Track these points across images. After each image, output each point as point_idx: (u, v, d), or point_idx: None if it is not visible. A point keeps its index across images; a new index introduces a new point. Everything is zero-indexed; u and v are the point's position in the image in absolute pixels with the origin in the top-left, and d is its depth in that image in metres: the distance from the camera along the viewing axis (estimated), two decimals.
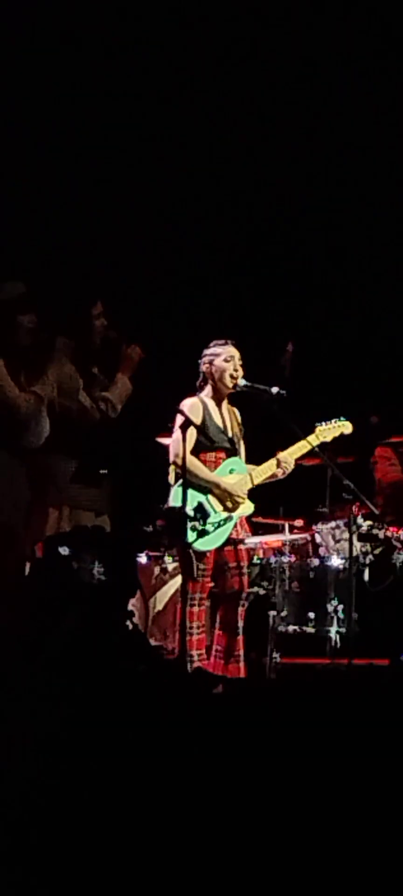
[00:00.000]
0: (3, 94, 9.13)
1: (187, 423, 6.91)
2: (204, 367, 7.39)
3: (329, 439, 7.62)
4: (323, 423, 7.63)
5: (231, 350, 7.36)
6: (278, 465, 7.39)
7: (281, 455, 7.40)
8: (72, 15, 9.41)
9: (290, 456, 7.43)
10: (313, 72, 10.10)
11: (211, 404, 7.35)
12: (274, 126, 10.28)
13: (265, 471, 7.38)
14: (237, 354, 7.38)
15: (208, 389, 7.39)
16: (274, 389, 7.34)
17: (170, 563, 8.27)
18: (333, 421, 7.67)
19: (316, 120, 10.30)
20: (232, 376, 7.32)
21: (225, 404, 7.42)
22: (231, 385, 7.34)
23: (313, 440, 7.51)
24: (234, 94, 10.11)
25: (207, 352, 7.40)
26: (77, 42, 9.48)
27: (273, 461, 7.39)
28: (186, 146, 10.07)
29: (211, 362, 7.37)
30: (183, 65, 9.87)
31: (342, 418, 7.71)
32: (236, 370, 7.34)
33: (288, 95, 10.20)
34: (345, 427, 7.71)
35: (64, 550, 6.62)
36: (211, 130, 10.15)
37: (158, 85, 9.91)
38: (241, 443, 7.44)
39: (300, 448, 7.47)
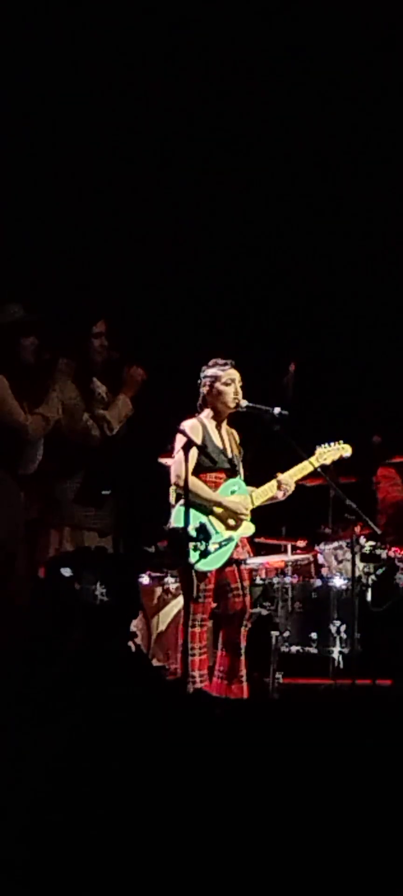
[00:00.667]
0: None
1: (189, 444, 6.92)
2: (204, 390, 7.38)
3: (328, 462, 7.62)
4: (323, 446, 7.63)
5: (232, 373, 7.36)
6: (278, 486, 7.39)
7: (282, 477, 7.40)
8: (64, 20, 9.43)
9: (290, 478, 7.43)
10: (317, 80, 10.11)
11: (211, 426, 7.35)
12: (280, 142, 10.29)
13: (265, 492, 7.39)
14: (237, 377, 7.38)
15: (208, 411, 7.39)
16: (276, 410, 7.34)
17: (173, 584, 8.26)
18: (333, 443, 7.67)
19: (322, 138, 10.30)
20: (233, 399, 7.32)
21: (224, 425, 7.42)
22: (232, 407, 7.34)
23: (313, 462, 7.51)
24: (239, 111, 10.13)
25: (208, 373, 7.38)
26: (76, 61, 9.50)
27: (273, 483, 7.40)
28: (189, 164, 10.08)
29: (212, 385, 7.35)
30: (185, 77, 9.88)
31: (341, 442, 7.71)
32: (237, 393, 7.34)
33: (296, 112, 10.22)
34: (345, 450, 7.71)
35: (66, 571, 6.62)
36: (214, 146, 10.16)
37: (160, 108, 9.93)
38: (240, 464, 7.44)
39: (300, 470, 7.47)
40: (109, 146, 9.79)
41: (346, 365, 10.55)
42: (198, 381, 7.43)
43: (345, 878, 3.55)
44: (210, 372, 7.37)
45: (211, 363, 7.40)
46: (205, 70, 9.92)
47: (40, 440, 7.36)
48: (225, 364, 7.36)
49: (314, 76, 10.08)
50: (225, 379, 7.33)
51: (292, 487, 7.43)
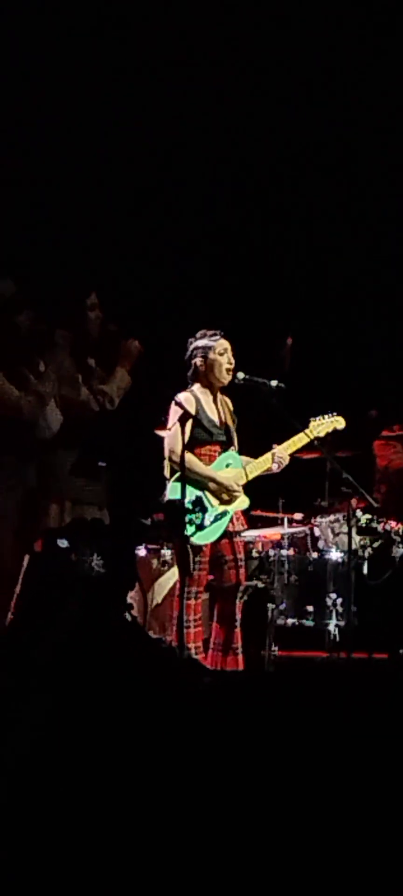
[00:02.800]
0: None
1: (185, 417, 6.90)
2: (197, 361, 7.32)
3: (322, 434, 7.60)
4: (318, 418, 7.61)
5: (224, 343, 7.32)
6: (273, 459, 7.37)
7: (277, 449, 7.39)
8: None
9: (285, 450, 7.42)
10: (310, 66, 10.09)
11: (204, 398, 7.32)
12: (272, 112, 10.27)
13: (260, 465, 7.37)
14: (229, 346, 7.35)
15: (201, 382, 7.35)
16: (273, 382, 7.33)
17: (169, 555, 8.26)
18: (327, 416, 7.65)
19: (314, 108, 10.28)
20: (227, 369, 7.30)
21: (218, 396, 7.40)
22: (226, 380, 7.32)
23: (307, 434, 7.49)
24: (226, 82, 10.10)
25: (199, 344, 7.32)
26: (68, 34, 9.47)
27: (268, 455, 7.38)
28: (183, 134, 10.06)
29: (205, 356, 7.31)
30: (179, 58, 9.86)
31: (335, 414, 7.69)
32: (230, 362, 7.31)
33: (282, 85, 10.19)
34: (338, 422, 7.68)
35: (63, 543, 6.63)
36: (205, 117, 10.13)
37: (150, 75, 9.89)
38: (235, 434, 7.42)
39: (295, 442, 7.45)
40: (102, 120, 9.75)
41: (343, 338, 10.54)
42: (187, 354, 7.38)
43: (340, 850, 3.56)
44: (201, 343, 7.32)
45: (198, 335, 7.35)
46: (199, 50, 9.90)
47: (52, 408, 7.37)
48: (215, 334, 7.32)
49: (302, 48, 10.06)
50: (219, 349, 7.30)
51: (287, 460, 7.41)
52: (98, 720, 3.92)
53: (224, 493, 7.19)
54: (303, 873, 3.48)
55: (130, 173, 9.81)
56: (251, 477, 7.34)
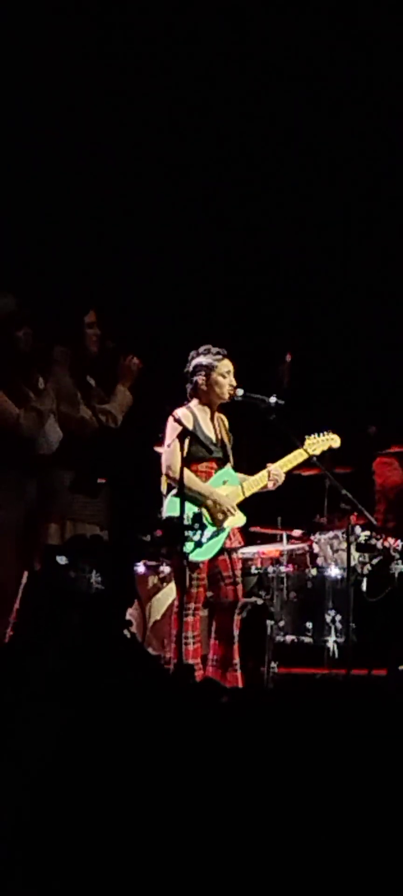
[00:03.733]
0: None
1: (184, 433, 6.91)
2: (199, 379, 7.33)
3: (318, 452, 7.61)
4: (313, 436, 7.63)
5: (227, 364, 7.33)
6: (269, 476, 7.38)
7: (272, 467, 7.40)
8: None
9: (281, 468, 7.43)
10: (313, 73, 10.10)
11: (202, 414, 7.33)
12: (275, 132, 10.28)
13: (256, 483, 7.39)
14: (232, 367, 7.36)
15: (199, 399, 7.36)
16: (272, 399, 7.33)
17: (168, 572, 8.26)
18: (322, 434, 7.66)
19: (318, 128, 10.29)
20: (228, 390, 7.31)
21: (215, 413, 7.40)
22: (226, 399, 7.33)
23: (302, 453, 7.50)
24: (228, 98, 10.11)
25: (202, 362, 7.32)
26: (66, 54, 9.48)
27: (264, 473, 7.39)
28: (182, 151, 10.07)
29: (208, 375, 7.32)
30: (180, 68, 9.87)
31: (330, 432, 7.70)
32: (232, 384, 7.32)
33: (289, 100, 10.20)
34: (334, 441, 7.71)
35: (61, 560, 6.62)
36: (208, 131, 10.14)
37: (152, 94, 9.91)
38: (230, 451, 7.43)
39: (290, 460, 7.47)
40: (102, 138, 9.76)
41: (342, 355, 10.54)
42: (188, 369, 7.38)
43: (340, 866, 3.56)
44: (205, 361, 7.32)
45: (202, 350, 7.36)
46: (200, 57, 9.91)
47: (52, 425, 7.38)
48: (219, 353, 7.33)
49: (303, 57, 10.07)
50: (222, 370, 7.31)
51: (282, 478, 7.42)
52: (97, 736, 3.92)
53: (219, 513, 7.19)
54: (302, 886, 3.48)
55: (129, 190, 9.82)
56: (248, 494, 7.35)
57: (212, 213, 10.23)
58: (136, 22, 9.73)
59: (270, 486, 7.41)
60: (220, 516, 7.19)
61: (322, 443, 7.65)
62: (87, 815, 3.66)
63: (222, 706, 4.55)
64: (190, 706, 4.36)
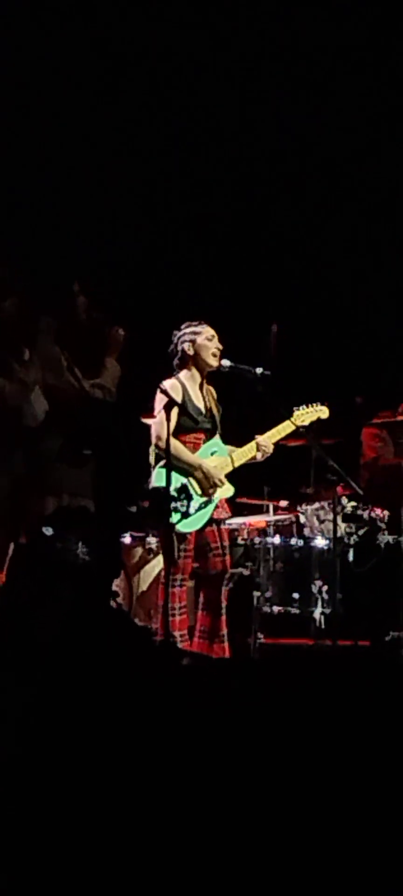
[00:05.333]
0: None
1: (171, 404, 6.91)
2: (185, 346, 7.33)
3: (306, 423, 7.62)
4: (301, 408, 7.62)
5: (210, 329, 7.35)
6: (257, 447, 7.39)
7: (260, 438, 7.40)
8: None
9: (269, 439, 7.43)
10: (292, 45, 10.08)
11: (191, 384, 7.33)
12: (260, 99, 10.24)
13: (245, 454, 7.39)
14: (215, 333, 7.37)
15: (186, 371, 7.36)
16: (259, 370, 7.33)
17: (155, 543, 8.25)
18: (310, 405, 7.66)
19: (308, 100, 10.26)
20: (214, 355, 7.31)
21: (204, 384, 7.40)
22: (214, 364, 7.33)
23: (290, 424, 7.50)
24: (216, 66, 10.08)
25: (187, 331, 7.34)
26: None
27: (252, 444, 7.40)
28: (170, 119, 10.03)
29: (192, 342, 7.33)
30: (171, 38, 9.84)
31: (318, 403, 7.70)
32: (218, 347, 7.33)
33: (264, 68, 10.17)
34: (322, 412, 7.71)
35: (47, 531, 6.61)
36: (195, 100, 10.10)
37: (139, 62, 9.87)
38: (219, 422, 7.43)
39: (279, 431, 7.47)
40: (90, 106, 9.72)
41: (329, 325, 10.53)
42: (173, 344, 7.38)
43: (327, 836, 3.57)
44: (188, 331, 7.34)
45: (183, 326, 7.38)
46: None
47: (37, 397, 7.36)
48: (200, 323, 7.35)
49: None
50: (206, 335, 7.33)
51: (271, 449, 7.43)
52: (85, 707, 3.92)
53: (209, 482, 7.19)
54: (290, 857, 3.48)
55: (115, 158, 9.78)
56: (237, 465, 7.35)
57: (198, 183, 10.19)
58: None
59: (259, 457, 7.42)
60: (209, 487, 7.19)
61: (310, 414, 7.65)
62: (75, 785, 3.67)
63: (208, 676, 4.56)
64: (176, 678, 4.37)
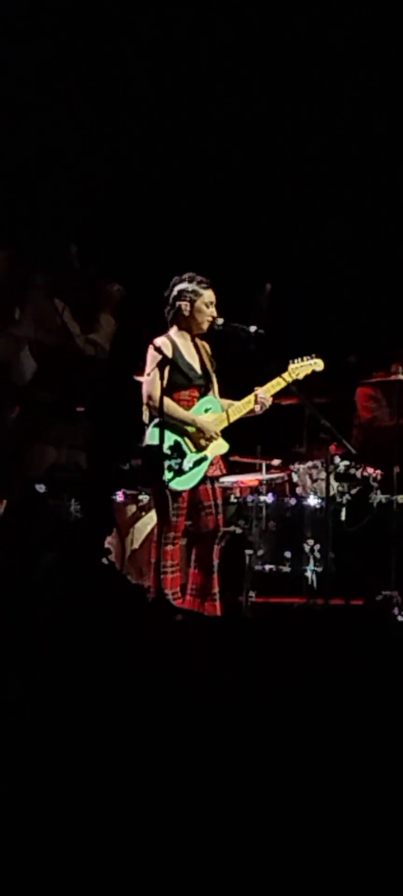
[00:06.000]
0: None
1: (164, 362, 6.88)
2: (182, 304, 7.27)
3: (301, 376, 7.59)
4: (296, 361, 7.60)
5: (211, 294, 7.29)
6: (256, 400, 7.36)
7: (260, 391, 7.37)
8: None
9: (268, 392, 7.40)
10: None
11: (182, 341, 7.29)
12: (262, 66, 10.20)
13: (243, 407, 7.36)
14: (215, 299, 7.32)
15: (178, 326, 7.32)
16: (252, 328, 7.31)
17: (147, 500, 8.25)
18: (305, 358, 7.63)
19: (307, 65, 10.23)
20: (208, 320, 7.28)
21: (197, 340, 7.37)
22: (205, 329, 7.30)
23: (286, 378, 7.47)
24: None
25: (188, 287, 7.27)
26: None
27: (251, 397, 7.37)
28: (166, 77, 9.99)
29: (192, 302, 7.27)
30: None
31: (314, 356, 7.67)
32: (213, 315, 7.28)
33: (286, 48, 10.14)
34: (317, 364, 7.67)
35: (40, 488, 6.62)
36: (193, 65, 10.06)
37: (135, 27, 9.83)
38: (214, 377, 7.40)
39: (276, 384, 7.44)
40: (87, 71, 9.67)
41: (322, 285, 10.51)
42: (171, 294, 7.33)
43: (313, 803, 3.57)
44: (190, 287, 7.27)
45: (186, 276, 7.30)
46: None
47: (25, 355, 7.33)
48: (203, 282, 7.28)
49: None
50: (206, 299, 7.27)
51: (269, 401, 7.40)
52: (78, 666, 3.92)
53: (203, 438, 7.18)
54: (285, 828, 3.49)
55: (109, 117, 9.74)
56: (232, 419, 7.33)
57: (192, 142, 10.15)
58: None
59: (257, 409, 7.38)
60: (203, 442, 7.18)
61: (305, 367, 7.61)
62: (71, 749, 3.67)
63: (201, 634, 4.57)
64: (169, 634, 4.37)
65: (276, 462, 8.90)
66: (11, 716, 3.73)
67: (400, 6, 9.98)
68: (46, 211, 8.65)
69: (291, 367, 7.56)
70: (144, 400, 7.15)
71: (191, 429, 7.15)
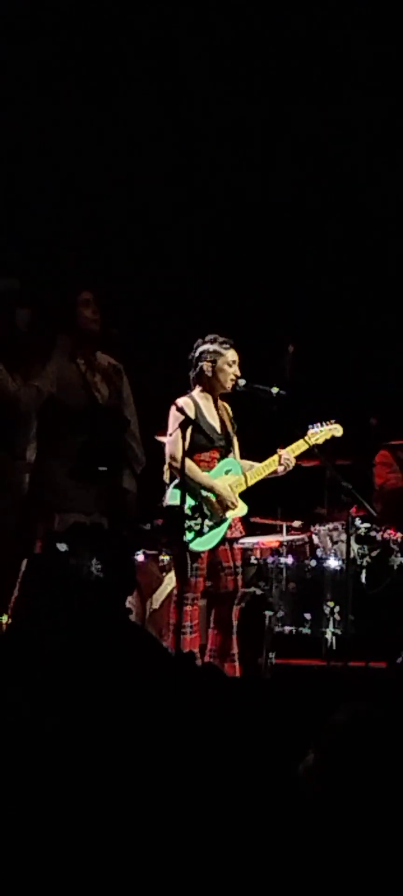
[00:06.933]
0: None
1: (186, 423, 6.92)
2: (204, 365, 7.32)
3: (321, 442, 7.63)
4: (315, 426, 7.65)
5: (234, 355, 7.34)
6: (279, 461, 7.39)
7: (283, 452, 7.41)
8: None
9: (291, 453, 7.43)
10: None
11: (204, 402, 7.34)
12: (279, 109, 10.26)
13: (263, 469, 7.40)
14: (238, 358, 7.36)
15: (202, 387, 7.36)
16: (274, 390, 7.35)
17: (168, 561, 8.27)
18: (325, 424, 7.68)
19: (322, 117, 10.29)
20: (231, 380, 7.32)
21: (218, 402, 7.41)
22: (228, 389, 7.34)
23: (307, 441, 7.51)
24: (227, 86, 10.10)
25: (210, 348, 7.32)
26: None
27: (274, 457, 7.40)
28: (183, 135, 10.05)
29: (214, 362, 7.32)
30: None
31: (333, 421, 7.72)
32: (237, 374, 7.33)
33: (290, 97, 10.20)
34: (336, 430, 7.72)
35: (62, 547, 6.63)
36: (207, 121, 10.13)
37: (146, 73, 9.90)
38: (235, 438, 7.44)
39: (299, 446, 7.48)
40: (100, 117, 9.75)
41: (345, 347, 10.55)
42: (194, 355, 7.38)
43: (334, 858, 3.57)
44: (212, 348, 7.32)
45: (209, 338, 7.35)
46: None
47: (33, 422, 7.36)
48: (225, 343, 7.33)
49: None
50: (229, 359, 7.32)
51: (293, 462, 7.43)
52: (99, 721, 3.93)
53: (222, 504, 7.20)
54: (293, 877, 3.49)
55: (129, 175, 9.81)
56: (252, 482, 7.36)
57: (216, 199, 10.21)
58: None
59: (280, 470, 7.41)
60: (221, 510, 7.20)
61: (324, 433, 7.66)
62: (88, 800, 3.68)
63: (221, 694, 4.57)
64: (191, 691, 4.37)
65: (297, 523, 8.91)
66: (31, 769, 3.74)
67: (400, 6, 10.01)
68: (65, 272, 8.71)
69: (310, 432, 7.60)
70: (166, 460, 7.18)
71: (210, 494, 7.18)
